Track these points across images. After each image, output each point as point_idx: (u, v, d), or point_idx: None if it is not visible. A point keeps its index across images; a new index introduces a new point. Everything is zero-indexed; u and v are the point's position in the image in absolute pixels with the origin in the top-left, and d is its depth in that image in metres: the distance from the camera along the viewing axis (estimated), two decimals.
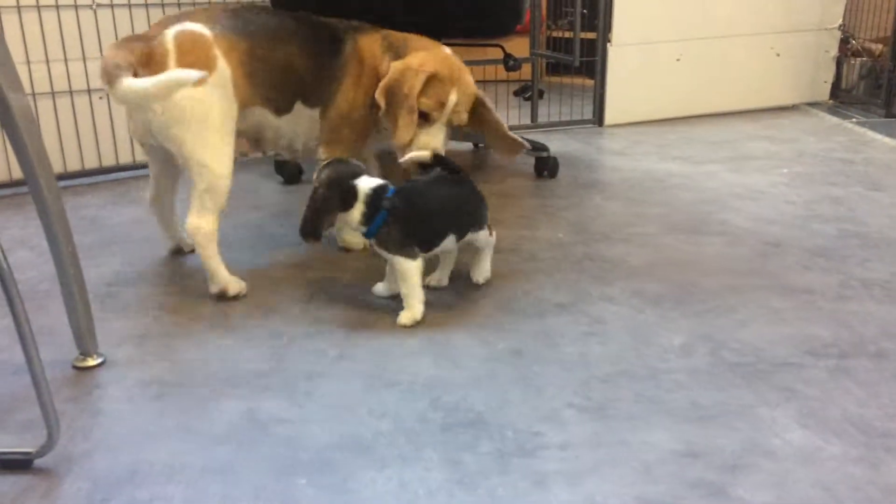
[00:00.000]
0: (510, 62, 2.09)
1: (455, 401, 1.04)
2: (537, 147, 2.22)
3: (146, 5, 2.18)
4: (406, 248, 1.26)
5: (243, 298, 1.38)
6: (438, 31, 2.03)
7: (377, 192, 1.27)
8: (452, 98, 1.51)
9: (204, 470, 0.89)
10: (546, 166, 2.21)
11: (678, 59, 2.99)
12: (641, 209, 1.89)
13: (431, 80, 1.49)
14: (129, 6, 2.16)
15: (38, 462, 0.91)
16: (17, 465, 0.90)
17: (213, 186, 1.35)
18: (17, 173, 2.09)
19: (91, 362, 1.14)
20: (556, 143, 2.63)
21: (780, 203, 1.93)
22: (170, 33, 1.37)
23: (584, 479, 0.87)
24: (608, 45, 2.87)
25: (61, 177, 2.06)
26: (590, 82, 3.29)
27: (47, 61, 2.07)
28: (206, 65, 1.36)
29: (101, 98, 2.18)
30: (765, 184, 2.11)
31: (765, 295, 1.37)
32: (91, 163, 2.21)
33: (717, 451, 0.92)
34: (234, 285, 1.38)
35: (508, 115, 3.10)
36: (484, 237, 1.37)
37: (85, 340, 1.15)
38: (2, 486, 0.87)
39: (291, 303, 1.37)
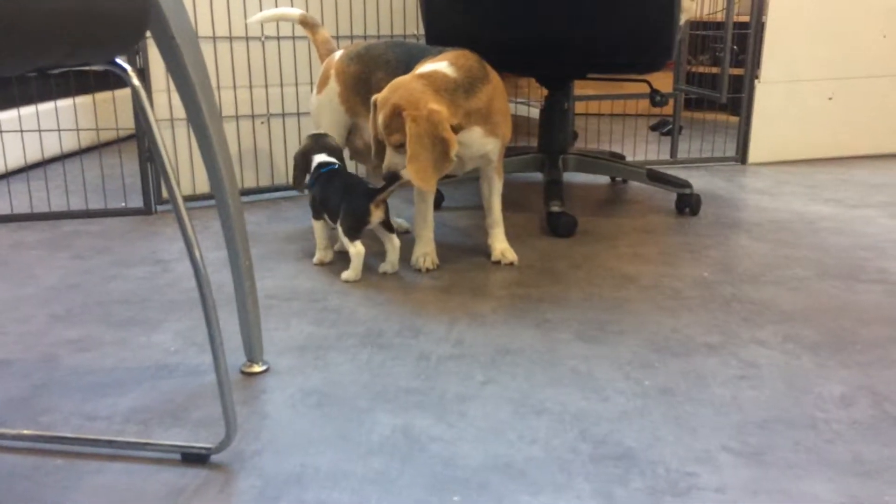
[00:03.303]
0: (657, 98, 2.08)
1: (604, 434, 1.04)
2: (680, 184, 2.19)
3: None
4: (314, 208, 1.74)
5: (392, 317, 1.44)
6: (588, 68, 2.06)
7: (317, 167, 1.73)
8: (379, 119, 1.57)
9: (364, 479, 0.94)
10: (688, 203, 2.17)
11: (830, 98, 2.88)
12: (791, 252, 1.83)
13: (376, 104, 1.59)
14: (294, 39, 2.31)
15: (214, 458, 0.98)
16: (197, 458, 0.97)
17: None
18: (185, 189, 2.26)
19: (257, 369, 1.22)
20: (698, 180, 2.58)
21: None
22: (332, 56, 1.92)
23: None
24: (756, 81, 2.80)
25: None
26: (731, 119, 3.22)
27: (219, 87, 2.23)
28: (324, 82, 1.88)
29: (262, 123, 2.33)
30: None
31: None
32: (249, 182, 2.36)
33: None
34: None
35: (647, 149, 3.07)
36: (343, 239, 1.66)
37: (253, 348, 1.23)
38: (184, 478, 0.94)
39: (436, 325, 1.41)
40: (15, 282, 1.66)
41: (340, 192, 1.66)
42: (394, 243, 1.69)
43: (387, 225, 1.67)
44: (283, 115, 2.35)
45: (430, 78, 1.56)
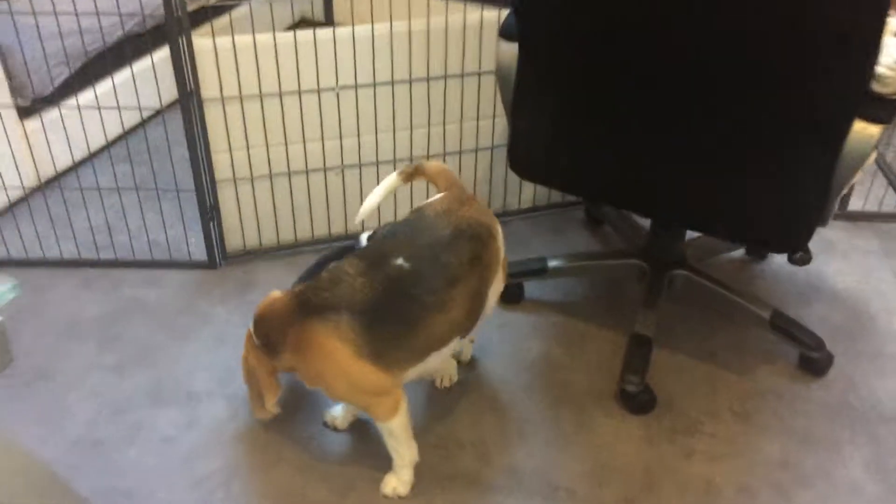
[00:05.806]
0: (797, 256, 1.63)
1: None
2: (807, 344, 1.77)
3: (391, 83, 1.98)
4: None
5: None
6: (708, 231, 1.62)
7: None
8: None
9: None
10: (814, 367, 1.78)
11: None
12: None
13: None
14: (374, 86, 1.97)
15: None
16: None
17: None
18: (251, 242, 2.10)
19: None
20: (857, 261, 2.04)
21: None
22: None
23: None
24: None
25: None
26: None
27: (286, 143, 1.98)
28: None
29: (336, 175, 2.09)
30: None
31: None
32: (338, 229, 2.16)
33: None
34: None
35: None
36: None
37: None
38: None
39: None
40: (43, 422, 1.64)
41: None
42: None
43: None
44: (360, 165, 2.08)
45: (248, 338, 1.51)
